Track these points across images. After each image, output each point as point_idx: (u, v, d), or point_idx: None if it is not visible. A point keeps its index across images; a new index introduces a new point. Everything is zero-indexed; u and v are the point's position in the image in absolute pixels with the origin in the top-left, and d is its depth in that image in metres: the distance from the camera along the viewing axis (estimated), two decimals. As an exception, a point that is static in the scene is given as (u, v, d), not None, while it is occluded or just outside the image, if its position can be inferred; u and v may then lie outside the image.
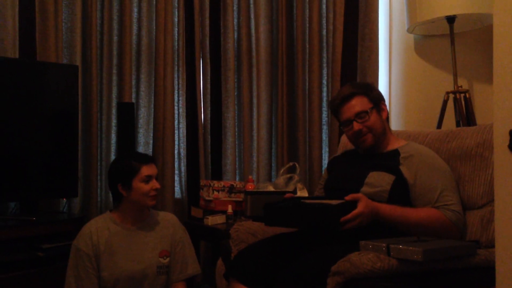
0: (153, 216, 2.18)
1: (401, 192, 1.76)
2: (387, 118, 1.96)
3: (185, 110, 3.04)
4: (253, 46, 3.12)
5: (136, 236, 2.11)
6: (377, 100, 1.91)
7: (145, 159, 2.11)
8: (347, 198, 1.65)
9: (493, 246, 1.31)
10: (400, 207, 1.71)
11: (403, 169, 1.79)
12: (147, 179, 2.08)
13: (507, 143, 1.25)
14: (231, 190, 2.71)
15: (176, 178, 3.04)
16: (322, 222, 1.57)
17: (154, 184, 2.09)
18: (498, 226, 1.28)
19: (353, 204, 1.63)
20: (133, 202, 2.09)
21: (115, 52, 2.97)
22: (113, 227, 2.10)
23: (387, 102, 2.01)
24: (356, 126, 1.87)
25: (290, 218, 1.66)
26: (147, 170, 2.08)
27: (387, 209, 1.69)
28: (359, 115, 1.87)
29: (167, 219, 2.20)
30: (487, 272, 1.40)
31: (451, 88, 2.53)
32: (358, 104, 1.87)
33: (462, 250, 1.55)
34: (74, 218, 2.61)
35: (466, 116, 2.45)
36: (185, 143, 3.04)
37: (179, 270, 2.15)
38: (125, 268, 2.05)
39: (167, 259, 2.12)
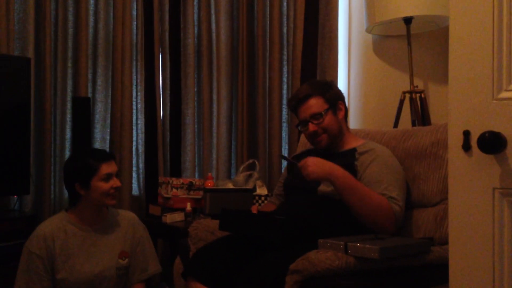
0: (112, 216, 2.10)
1: None
2: (346, 117, 1.98)
3: (143, 106, 2.98)
4: (214, 42, 3.09)
5: (94, 237, 2.02)
6: (334, 100, 1.92)
7: (104, 157, 2.00)
8: (301, 163, 1.71)
9: (446, 243, 1.34)
10: (356, 180, 1.73)
11: (358, 164, 1.81)
12: (107, 177, 1.97)
13: (461, 143, 1.27)
14: (190, 187, 2.68)
15: (134, 175, 2.98)
16: (266, 234, 1.64)
17: (115, 182, 1.99)
18: (451, 223, 1.30)
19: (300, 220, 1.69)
20: (91, 202, 1.99)
21: (70, 45, 2.87)
22: (70, 228, 2.00)
23: (346, 100, 2.02)
24: (311, 127, 1.89)
25: (239, 226, 1.73)
26: (106, 168, 1.97)
27: (345, 173, 1.70)
28: (314, 116, 1.88)
29: (127, 218, 2.13)
30: (441, 269, 1.43)
31: (407, 88, 2.57)
32: (313, 105, 1.89)
33: (417, 247, 1.57)
34: (26, 216, 2.51)
35: (421, 116, 2.50)
36: (143, 139, 2.99)
37: (140, 270, 2.09)
38: (82, 271, 1.97)
39: (126, 260, 2.06)
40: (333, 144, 1.92)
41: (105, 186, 1.97)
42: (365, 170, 1.79)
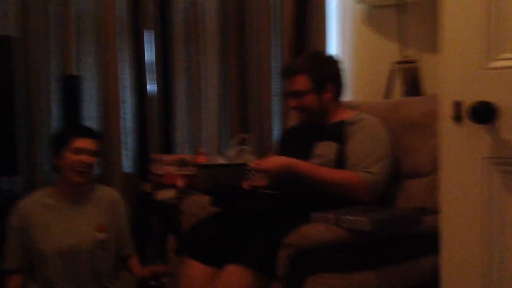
0: (93, 191, 2.14)
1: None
2: (337, 97, 1.95)
3: (132, 83, 2.95)
4: (202, 15, 3.04)
5: (72, 210, 2.07)
6: (322, 81, 1.89)
7: (82, 132, 2.06)
8: (253, 164, 1.74)
9: (438, 212, 1.35)
10: (319, 167, 1.74)
11: (344, 136, 1.82)
12: (77, 151, 2.01)
13: (452, 113, 1.27)
14: (181, 163, 2.68)
15: (125, 153, 2.97)
16: (258, 210, 1.66)
17: (85, 158, 2.01)
18: (443, 193, 1.32)
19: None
20: (65, 175, 2.05)
21: (55, 22, 2.81)
22: (48, 202, 2.06)
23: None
24: (291, 102, 1.91)
25: (231, 203, 1.74)
26: (79, 142, 2.02)
27: (304, 166, 1.71)
28: (295, 93, 1.89)
29: (109, 194, 2.17)
30: (433, 238, 1.45)
31: (398, 58, 2.55)
32: (296, 82, 1.88)
33: (409, 218, 1.59)
34: (16, 196, 2.49)
35: (413, 86, 2.49)
36: (133, 117, 2.97)
37: (126, 243, 2.16)
38: (59, 242, 2.01)
39: (104, 234, 2.08)
40: (320, 118, 1.92)
41: (72, 158, 2.01)
42: (350, 139, 1.79)
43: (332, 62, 1.93)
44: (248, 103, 3.05)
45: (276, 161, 1.73)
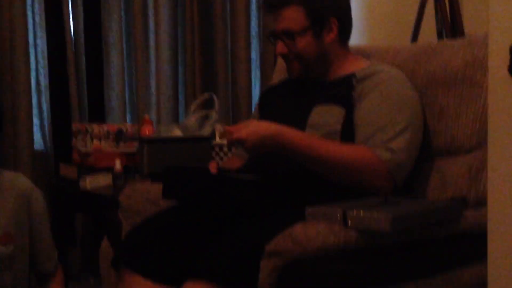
0: None
1: None
2: (344, 38, 1.95)
3: (44, 18, 2.95)
4: None
5: None
6: (322, 14, 1.89)
7: None
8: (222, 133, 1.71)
9: (484, 205, 1.37)
10: (317, 138, 1.75)
11: (355, 95, 1.82)
12: None
13: (508, 63, 1.27)
14: (119, 137, 2.69)
15: (36, 121, 2.99)
16: (232, 203, 1.68)
17: None
18: (491, 177, 1.33)
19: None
20: None
21: None
22: None
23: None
24: (280, 47, 1.90)
25: (192, 192, 1.73)
26: None
27: (296, 137, 1.72)
28: (286, 33, 1.88)
29: (16, 185, 2.11)
30: (477, 240, 1.47)
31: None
32: (288, 18, 1.87)
33: (444, 212, 1.61)
34: None
35: (450, 24, 2.50)
36: (46, 68, 2.98)
37: (47, 256, 2.15)
38: None
39: (8, 247, 2.04)
40: (320, 71, 1.92)
41: None
42: (361, 101, 1.81)
43: None
44: (214, 47, 3.06)
45: (257, 127, 1.72)
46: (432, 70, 1.95)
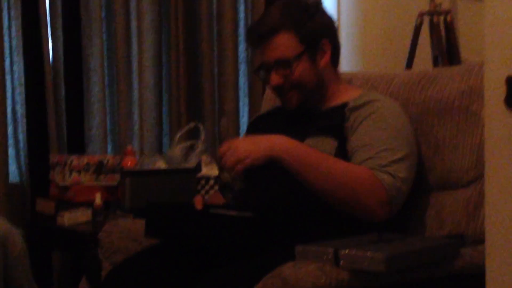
0: None
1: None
2: (335, 61, 1.96)
3: (21, 42, 2.95)
4: None
5: None
6: (315, 37, 1.89)
7: None
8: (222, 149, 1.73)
9: (482, 242, 1.36)
10: (320, 152, 1.75)
11: (348, 126, 1.82)
12: None
13: (504, 94, 1.28)
14: (99, 169, 2.68)
15: (11, 152, 2.97)
16: (220, 242, 1.67)
17: None
18: (489, 213, 1.32)
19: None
20: None
21: None
22: None
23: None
24: (274, 79, 1.88)
25: (176, 230, 1.72)
26: None
27: (295, 142, 1.74)
28: (280, 63, 1.87)
29: None
30: (475, 279, 1.46)
31: (426, 7, 2.58)
32: (280, 46, 1.86)
33: (441, 251, 1.60)
34: None
35: (447, 50, 2.52)
36: (23, 96, 2.97)
37: None
38: None
39: None
40: (313, 101, 1.92)
41: None
42: (354, 132, 1.80)
43: (318, 9, 1.95)
44: (200, 74, 3.07)
45: (251, 140, 1.74)
46: (427, 99, 1.95)
